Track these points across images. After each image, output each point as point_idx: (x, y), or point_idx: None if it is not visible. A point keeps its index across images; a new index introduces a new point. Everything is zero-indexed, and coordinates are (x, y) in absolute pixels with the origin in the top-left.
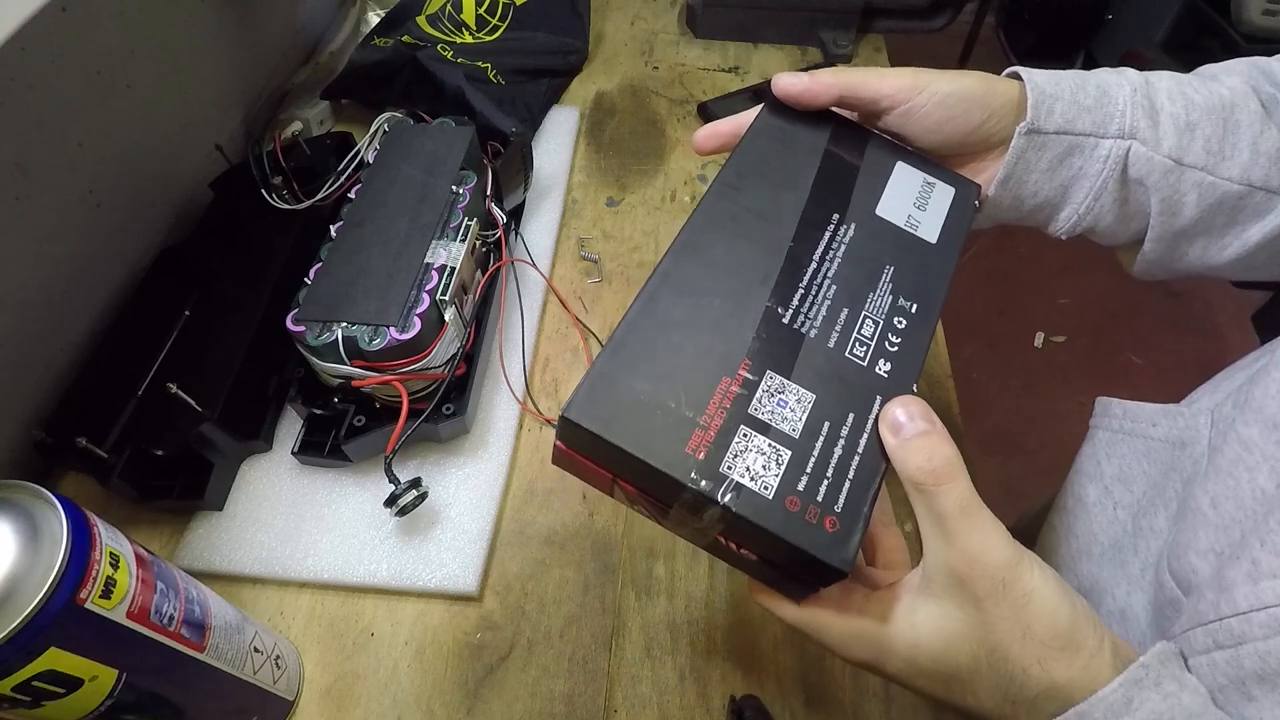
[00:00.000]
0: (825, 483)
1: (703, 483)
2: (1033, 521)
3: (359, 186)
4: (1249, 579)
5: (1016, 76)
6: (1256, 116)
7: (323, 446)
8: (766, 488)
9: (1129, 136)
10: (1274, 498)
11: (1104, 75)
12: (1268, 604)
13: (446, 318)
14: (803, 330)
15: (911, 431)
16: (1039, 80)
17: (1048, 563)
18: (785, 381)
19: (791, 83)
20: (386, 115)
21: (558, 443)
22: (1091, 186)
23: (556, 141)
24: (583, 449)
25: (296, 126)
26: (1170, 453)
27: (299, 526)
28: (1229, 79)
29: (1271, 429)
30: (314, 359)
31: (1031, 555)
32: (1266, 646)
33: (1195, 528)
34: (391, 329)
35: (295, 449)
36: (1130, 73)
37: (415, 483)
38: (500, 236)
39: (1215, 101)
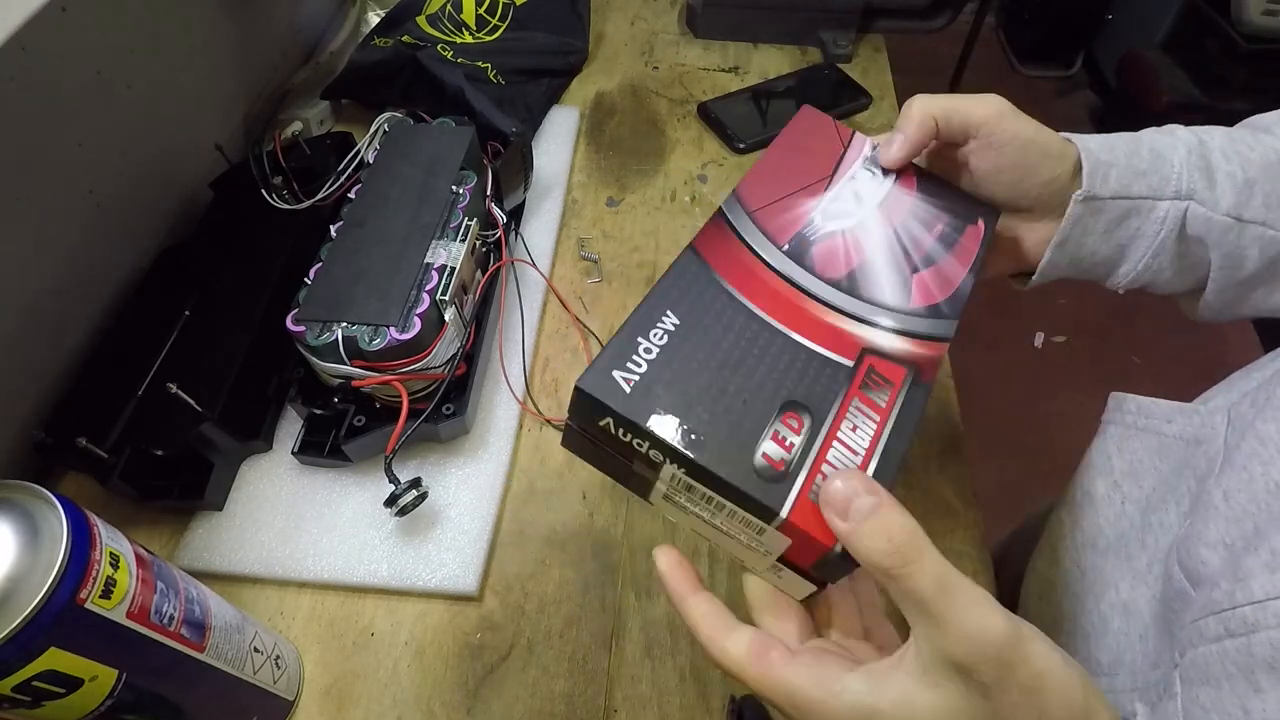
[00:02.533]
0: None
1: None
2: (1039, 521)
3: (359, 186)
4: (1267, 569)
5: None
6: None
7: (323, 446)
8: None
9: (1186, 197)
10: (1270, 480)
11: (1157, 137)
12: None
13: (446, 318)
14: None
15: (862, 510)
16: (1093, 147)
17: (1053, 554)
18: None
19: (896, 151)
20: (386, 115)
21: None
22: (1149, 246)
23: (556, 141)
24: None
25: (296, 126)
26: (1184, 450)
27: (299, 526)
28: None
29: None
30: (314, 359)
31: (1029, 625)
32: (1279, 635)
33: (1206, 521)
34: (391, 329)
35: (295, 449)
36: (1182, 131)
37: (415, 483)
38: (500, 236)
39: (1272, 156)
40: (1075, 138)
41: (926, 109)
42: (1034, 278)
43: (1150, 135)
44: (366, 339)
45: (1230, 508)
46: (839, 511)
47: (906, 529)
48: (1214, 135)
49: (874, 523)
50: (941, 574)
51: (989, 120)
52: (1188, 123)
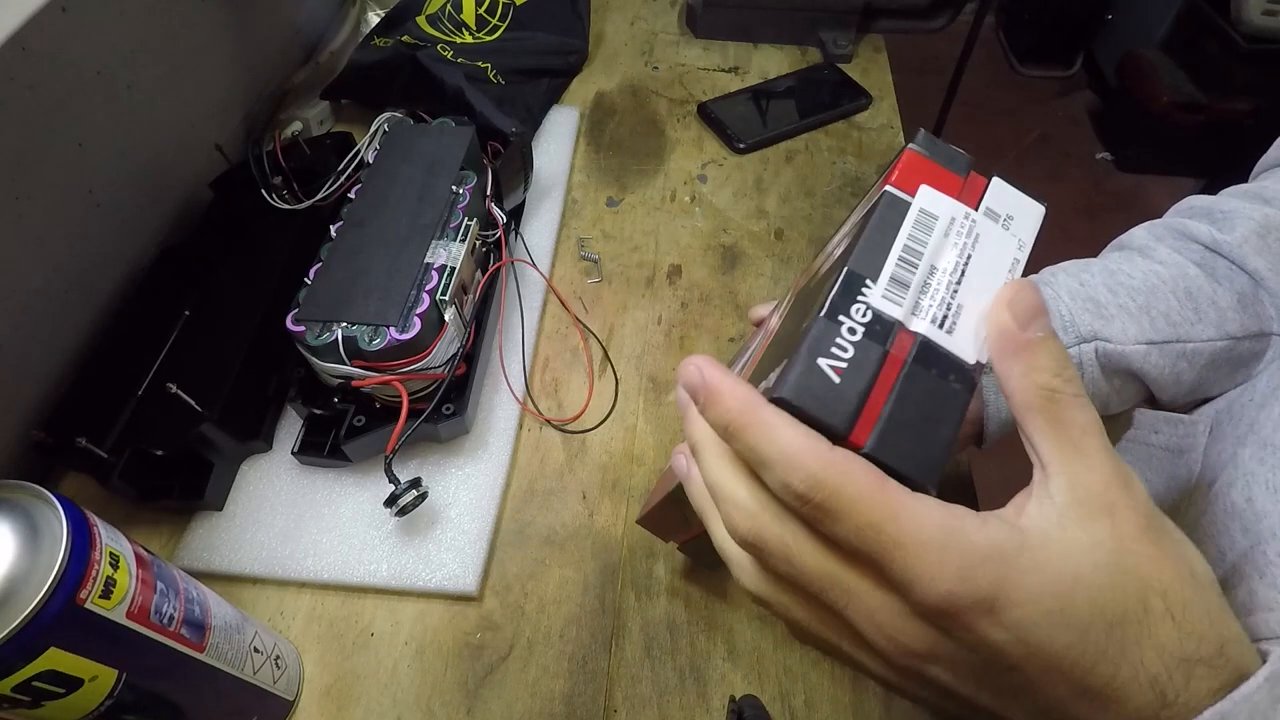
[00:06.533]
0: None
1: None
2: None
3: (359, 186)
4: (1244, 610)
5: None
6: (1201, 279)
7: (323, 446)
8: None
9: (1090, 339)
10: (1241, 510)
11: (1063, 278)
12: (1260, 636)
13: (446, 318)
14: None
15: (1037, 332)
16: None
17: None
18: None
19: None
20: (386, 115)
21: None
22: None
23: (556, 141)
24: None
25: (296, 126)
26: (1169, 461)
27: (299, 526)
28: (1158, 252)
29: (1259, 447)
30: (314, 359)
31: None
32: None
33: None
34: (391, 329)
35: (295, 449)
36: (1061, 277)
37: (415, 483)
38: (500, 236)
39: (1154, 280)
40: None
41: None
42: (984, 444)
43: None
44: (366, 339)
45: (1195, 528)
46: (1018, 319)
47: (1071, 366)
48: (1092, 273)
49: (1054, 344)
50: (1094, 417)
51: None
52: (1188, 122)
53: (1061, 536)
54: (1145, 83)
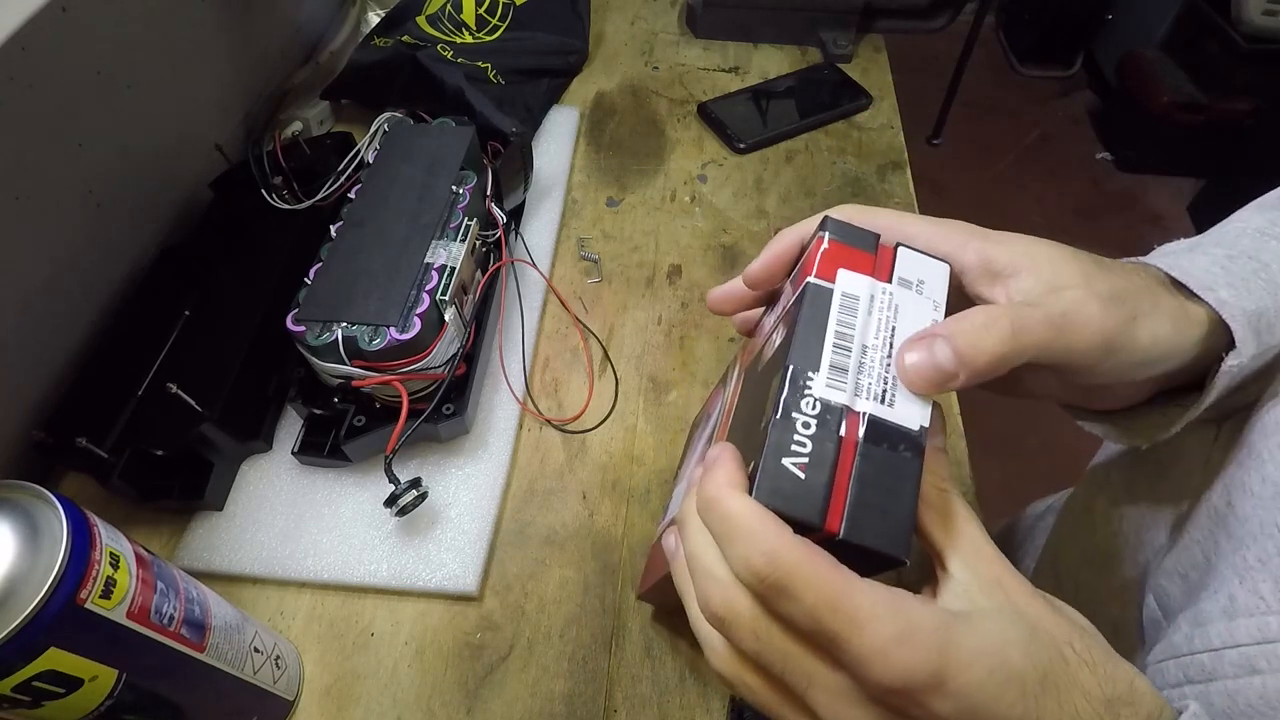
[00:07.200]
0: None
1: None
2: (1033, 525)
3: (359, 186)
4: (1225, 615)
5: (1177, 281)
6: None
7: (323, 446)
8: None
9: None
10: (1223, 515)
11: (1270, 246)
12: (1240, 642)
13: (446, 318)
14: None
15: (939, 444)
16: (1235, 301)
17: (1053, 567)
18: None
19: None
20: (386, 115)
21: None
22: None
23: (556, 141)
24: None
25: (296, 126)
26: (1173, 465)
27: (299, 526)
28: None
29: (1234, 449)
30: (314, 359)
31: None
32: (1236, 685)
33: (1170, 545)
34: (391, 329)
35: (295, 449)
36: None
37: (415, 483)
38: (500, 236)
39: None
40: (1212, 298)
41: (995, 348)
42: (1135, 438)
43: (1265, 244)
44: (366, 339)
45: (1182, 533)
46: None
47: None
48: None
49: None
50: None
51: (1103, 359)
52: (1188, 122)
53: (975, 608)
54: (1145, 83)
